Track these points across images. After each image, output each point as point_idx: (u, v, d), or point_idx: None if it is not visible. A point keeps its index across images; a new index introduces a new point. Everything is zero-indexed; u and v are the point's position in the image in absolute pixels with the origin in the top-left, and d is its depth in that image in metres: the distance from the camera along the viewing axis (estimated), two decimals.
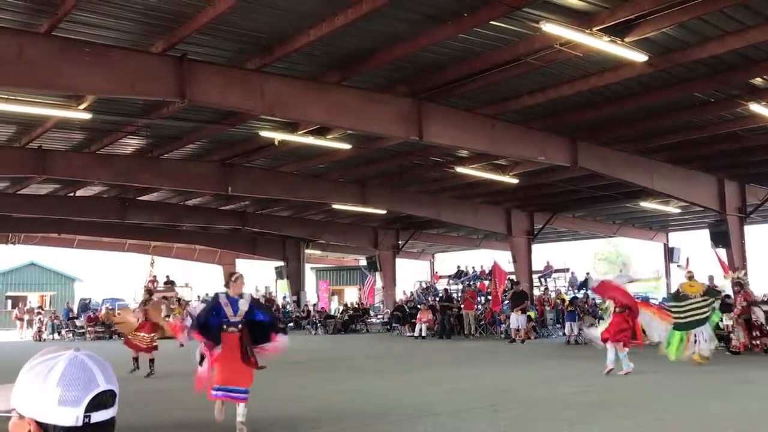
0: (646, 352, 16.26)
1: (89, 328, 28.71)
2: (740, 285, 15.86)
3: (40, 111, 12.96)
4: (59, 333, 29.95)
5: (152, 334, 13.15)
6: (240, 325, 7.29)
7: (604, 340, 11.74)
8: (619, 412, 8.08)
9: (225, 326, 7.25)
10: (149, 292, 14.31)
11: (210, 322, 7.31)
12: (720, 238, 19.48)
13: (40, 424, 1.32)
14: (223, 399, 7.19)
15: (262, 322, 7.50)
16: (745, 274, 17.38)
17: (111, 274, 43.01)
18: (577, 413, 8.00)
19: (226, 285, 7.52)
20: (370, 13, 9.27)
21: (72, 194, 22.55)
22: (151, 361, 12.91)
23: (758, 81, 12.55)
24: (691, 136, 15.83)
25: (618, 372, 11.44)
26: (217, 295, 7.60)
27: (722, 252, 19.50)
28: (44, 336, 29.40)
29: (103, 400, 1.36)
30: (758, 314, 15.01)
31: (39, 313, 31.71)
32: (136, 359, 13.18)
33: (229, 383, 7.11)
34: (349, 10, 9.32)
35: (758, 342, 14.98)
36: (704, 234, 21.13)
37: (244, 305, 7.33)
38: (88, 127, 15.16)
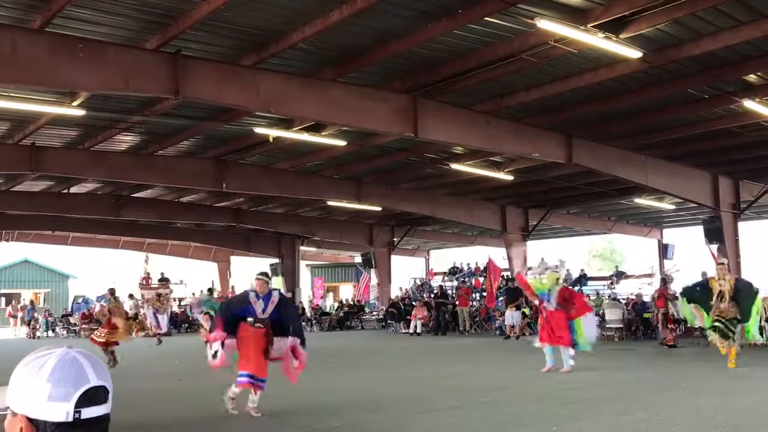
0: (639, 348, 16.33)
1: (83, 326, 28.65)
2: (664, 281, 16.78)
3: (33, 107, 12.89)
4: (53, 330, 29.90)
5: (105, 331, 14.25)
6: (267, 322, 7.91)
7: (543, 343, 11.70)
8: (616, 407, 8.11)
9: (253, 321, 7.86)
10: (112, 293, 14.98)
11: (235, 313, 7.98)
12: (714, 234, 19.53)
13: (31, 421, 1.31)
14: (248, 386, 7.77)
15: (283, 323, 8.07)
16: (677, 271, 18.22)
17: (105, 271, 42.92)
18: (575, 409, 8.02)
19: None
20: (365, 9, 9.25)
21: (66, 191, 22.47)
22: (111, 355, 13.88)
23: (752, 77, 12.57)
24: (685, 132, 15.85)
25: (560, 369, 11.45)
26: (247, 292, 8.21)
27: (716, 248, 19.57)
28: (38, 333, 29.35)
29: (94, 396, 1.35)
30: (675, 309, 16.32)
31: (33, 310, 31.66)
32: (112, 353, 14.03)
33: (256, 373, 7.73)
34: (343, 7, 9.29)
35: (674, 335, 16.48)
36: (698, 230, 21.20)
37: (272, 303, 7.97)
38: (81, 124, 15.09)
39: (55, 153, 17.03)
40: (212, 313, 15.34)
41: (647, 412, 7.65)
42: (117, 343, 14.24)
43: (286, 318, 8.13)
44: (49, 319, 30.40)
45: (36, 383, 1.33)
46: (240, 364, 7.82)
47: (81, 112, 12.90)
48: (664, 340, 16.66)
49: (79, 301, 34.71)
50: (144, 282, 31.72)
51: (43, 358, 1.36)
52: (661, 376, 11.21)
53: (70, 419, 1.31)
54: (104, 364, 1.43)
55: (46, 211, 23.99)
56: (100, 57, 9.85)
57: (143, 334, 17.20)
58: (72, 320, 29.89)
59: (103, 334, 14.22)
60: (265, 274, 8.37)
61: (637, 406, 8.12)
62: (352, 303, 32.18)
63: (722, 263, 12.36)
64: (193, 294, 30.62)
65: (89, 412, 1.33)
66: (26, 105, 12.54)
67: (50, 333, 29.78)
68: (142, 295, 30.07)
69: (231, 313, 8.03)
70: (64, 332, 29.39)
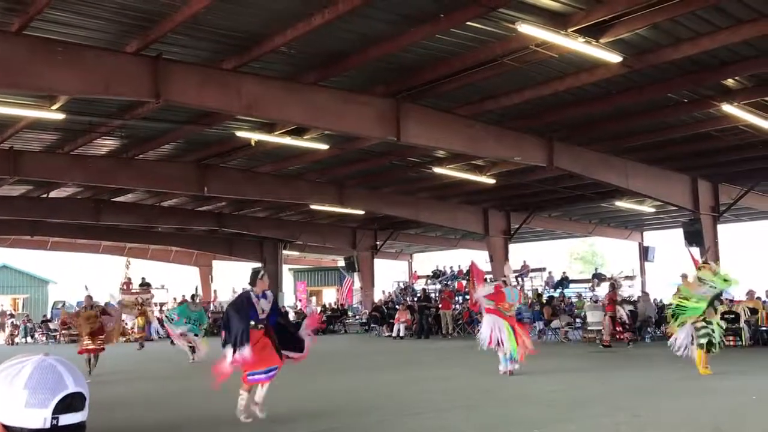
0: (621, 349, 16.45)
1: (63, 331, 28.30)
2: (613, 286, 18.24)
3: (11, 111, 12.73)
4: (32, 336, 29.53)
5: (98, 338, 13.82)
6: (265, 321, 7.53)
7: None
8: (596, 410, 8.15)
9: (255, 324, 7.38)
10: (89, 298, 14.79)
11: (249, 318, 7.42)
12: (694, 237, 19.73)
13: (7, 428, 1.30)
14: (262, 381, 7.36)
15: (279, 325, 7.76)
16: (622, 277, 19.22)
17: (86, 276, 42.43)
18: (556, 412, 8.05)
19: (252, 283, 7.65)
20: (347, 13, 9.26)
21: (45, 195, 22.23)
22: (96, 359, 13.52)
23: (730, 82, 12.73)
24: (665, 136, 16.02)
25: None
26: (248, 292, 7.61)
27: (696, 251, 19.76)
28: (17, 340, 28.98)
29: (72, 403, 1.33)
30: (622, 312, 17.44)
31: (12, 316, 31.25)
32: (89, 361, 13.58)
33: (266, 364, 7.32)
34: (325, 10, 9.29)
35: (621, 336, 17.31)
36: (678, 233, 21.42)
37: (268, 302, 7.58)
38: (61, 128, 14.94)
39: (34, 157, 16.85)
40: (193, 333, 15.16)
41: (629, 414, 7.70)
42: (103, 349, 13.97)
43: (273, 318, 7.70)
44: (28, 324, 30.01)
45: (12, 390, 1.31)
46: (249, 367, 7.32)
47: (60, 116, 12.79)
48: (603, 341, 17.37)
49: (59, 306, 34.29)
50: (125, 287, 31.47)
51: (19, 365, 1.35)
52: (642, 377, 11.29)
53: (48, 426, 1.30)
54: (80, 371, 1.41)
55: (24, 215, 23.73)
56: (79, 60, 9.77)
57: (124, 339, 17.05)
58: (51, 326, 29.53)
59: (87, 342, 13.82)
60: (260, 270, 8.06)
61: (618, 407, 8.16)
62: (335, 307, 32.11)
63: (707, 263, 11.67)
64: (175, 299, 30.41)
65: (66, 419, 1.32)
66: (4, 108, 12.38)
67: (29, 339, 29.41)
68: (120, 302, 29.76)
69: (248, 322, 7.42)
70: (44, 338, 29.03)
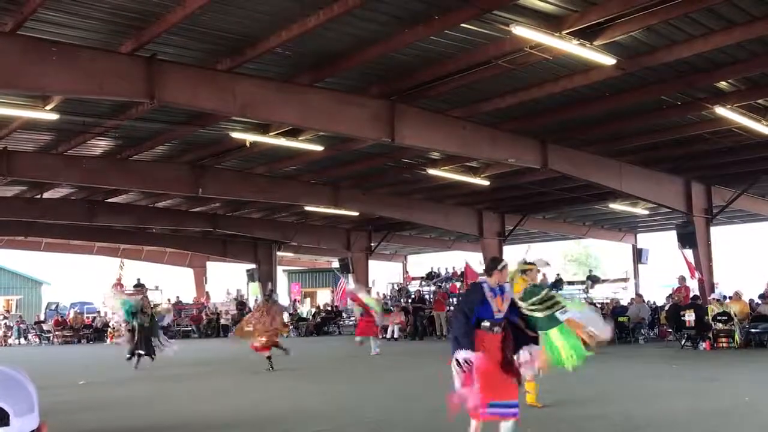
0: (614, 351, 16.49)
1: (57, 332, 28.25)
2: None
3: (4, 111, 12.69)
4: (26, 338, 29.44)
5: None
6: (503, 323, 5.93)
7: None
8: (590, 411, 8.18)
9: (489, 325, 5.81)
10: (270, 293, 15.21)
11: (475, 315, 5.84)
12: (687, 239, 19.80)
13: None
14: (494, 418, 5.72)
15: (514, 326, 6.05)
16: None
17: (79, 277, 42.32)
18: (549, 412, 8.07)
19: (488, 272, 6.07)
20: (342, 14, 9.27)
21: (39, 196, 22.16)
22: (269, 358, 13.73)
23: (723, 84, 12.78)
24: (658, 138, 16.08)
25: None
26: (480, 284, 6.01)
27: (689, 253, 19.84)
28: (10, 341, 28.89)
29: None
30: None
31: (5, 318, 31.15)
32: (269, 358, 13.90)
33: (502, 397, 5.66)
34: (320, 12, 9.30)
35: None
36: (672, 235, 21.47)
37: (506, 300, 5.94)
38: (55, 128, 14.90)
39: (27, 157, 16.80)
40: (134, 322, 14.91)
41: (622, 416, 7.73)
42: (276, 344, 13.96)
43: (514, 316, 6.03)
44: (21, 326, 29.91)
45: None
46: (482, 391, 5.54)
47: (54, 116, 12.76)
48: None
49: (52, 307, 34.21)
50: (118, 288, 31.31)
51: None
52: (635, 378, 11.32)
53: None
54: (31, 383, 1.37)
55: (18, 216, 23.65)
56: (73, 60, 9.75)
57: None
58: (45, 327, 29.44)
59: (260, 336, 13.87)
60: (501, 259, 6.38)
61: (611, 409, 8.19)
62: (329, 308, 32.09)
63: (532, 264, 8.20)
64: (169, 300, 30.32)
65: None
66: None
67: (23, 340, 29.30)
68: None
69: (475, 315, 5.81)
70: (37, 339, 28.93)
